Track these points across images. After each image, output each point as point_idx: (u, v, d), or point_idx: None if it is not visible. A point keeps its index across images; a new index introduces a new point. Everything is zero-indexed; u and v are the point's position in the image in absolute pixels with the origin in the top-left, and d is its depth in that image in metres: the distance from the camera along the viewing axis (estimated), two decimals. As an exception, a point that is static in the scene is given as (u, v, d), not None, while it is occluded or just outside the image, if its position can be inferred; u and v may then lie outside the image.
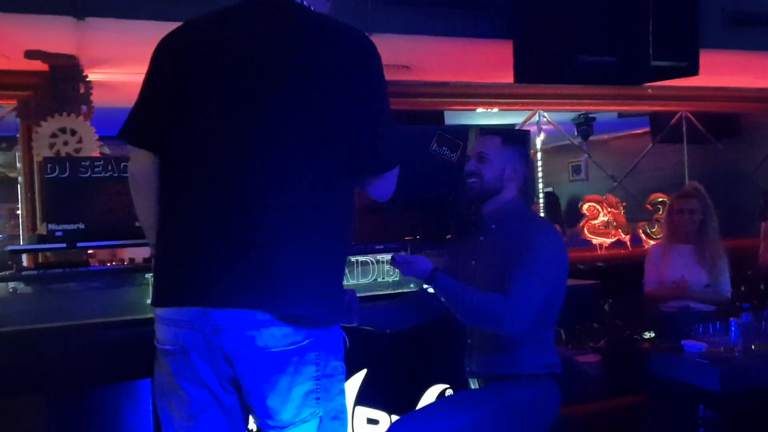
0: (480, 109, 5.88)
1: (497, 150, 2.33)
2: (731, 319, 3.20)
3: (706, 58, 3.92)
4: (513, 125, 6.08)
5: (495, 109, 5.85)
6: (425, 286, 2.21)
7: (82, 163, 2.44)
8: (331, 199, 1.46)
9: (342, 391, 1.52)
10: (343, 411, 1.53)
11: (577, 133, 7.21)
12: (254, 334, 1.39)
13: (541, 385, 2.24)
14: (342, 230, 1.50)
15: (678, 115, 6.12)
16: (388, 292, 2.72)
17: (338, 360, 1.50)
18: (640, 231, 5.13)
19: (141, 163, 1.54)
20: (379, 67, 1.52)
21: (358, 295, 2.71)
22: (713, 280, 3.60)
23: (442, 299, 2.18)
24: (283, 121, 1.41)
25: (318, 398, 1.45)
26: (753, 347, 3.09)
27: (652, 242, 4.85)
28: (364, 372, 2.64)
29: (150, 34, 1.58)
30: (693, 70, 3.66)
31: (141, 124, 1.53)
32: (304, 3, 1.54)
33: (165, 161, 1.51)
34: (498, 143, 2.35)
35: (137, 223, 1.66)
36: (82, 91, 3.88)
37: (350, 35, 1.51)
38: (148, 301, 2.52)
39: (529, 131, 3.73)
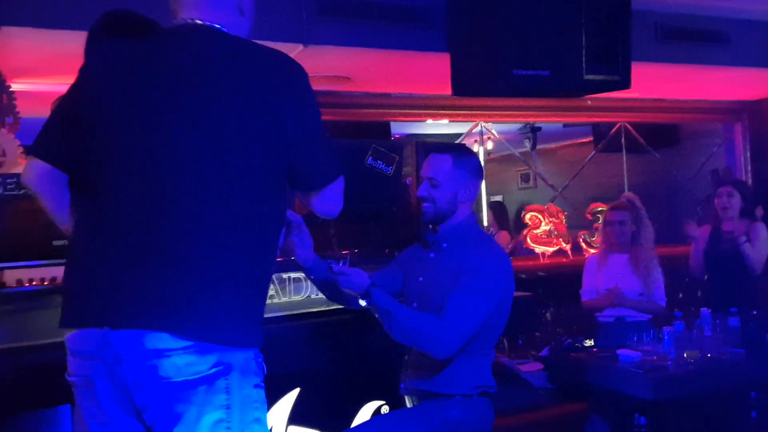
0: (429, 120, 5.91)
1: (448, 173, 2.29)
2: (664, 328, 3.27)
3: (638, 71, 4.01)
4: (459, 135, 6.12)
5: (445, 120, 5.89)
6: (360, 300, 2.18)
7: (-5, 180, 2.34)
8: (252, 222, 1.44)
9: (258, 420, 1.45)
10: None
11: (526, 143, 7.31)
12: (156, 363, 1.34)
13: (473, 404, 2.25)
14: (263, 254, 1.47)
15: (617, 125, 6.26)
16: (322, 309, 2.68)
17: (254, 387, 1.44)
18: (581, 240, 5.21)
19: (35, 171, 1.52)
20: (305, 85, 1.52)
21: (289, 312, 2.68)
22: (647, 288, 3.68)
23: (376, 315, 2.16)
24: (201, 146, 1.41)
25: (229, 428, 1.39)
26: (685, 355, 3.16)
27: (591, 251, 4.93)
28: (297, 391, 2.59)
29: (72, 43, 1.53)
30: (625, 84, 3.75)
31: (55, 141, 1.52)
32: (224, 29, 1.52)
33: (78, 180, 1.51)
34: (449, 165, 2.30)
35: (55, 242, 1.64)
36: (5, 101, 3.73)
37: (273, 57, 1.50)
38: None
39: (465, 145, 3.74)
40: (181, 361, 1.34)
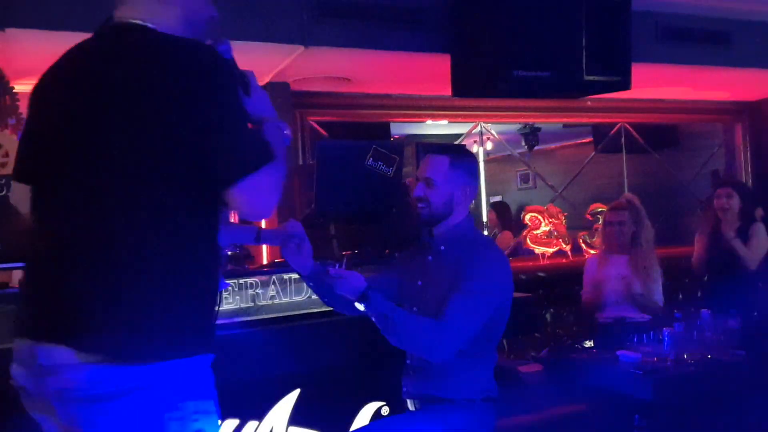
0: (429, 121, 5.92)
1: (445, 174, 2.28)
2: (664, 329, 3.27)
3: (639, 71, 4.02)
4: (458, 135, 6.13)
5: (444, 121, 5.89)
6: (356, 304, 2.17)
7: (-2, 181, 2.34)
8: (165, 229, 1.37)
9: (201, 431, 1.38)
10: None
11: (524, 143, 7.31)
12: (72, 377, 1.32)
13: (476, 409, 2.24)
14: (183, 260, 1.39)
15: (617, 126, 6.26)
16: (322, 309, 2.69)
17: (190, 399, 1.37)
18: (580, 241, 5.21)
19: (14, 191, 1.63)
20: (214, 72, 1.39)
21: (290, 313, 2.68)
22: (647, 289, 3.68)
23: (372, 319, 2.16)
24: (101, 153, 1.38)
25: None
26: (685, 356, 3.16)
27: (591, 252, 4.93)
28: (297, 392, 2.60)
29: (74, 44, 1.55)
30: (625, 85, 3.75)
31: (20, 159, 1.59)
32: (149, 25, 1.45)
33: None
34: (446, 166, 2.29)
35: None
36: (8, 102, 3.73)
37: (180, 51, 1.40)
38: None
39: (464, 145, 3.73)
40: (99, 377, 1.31)
